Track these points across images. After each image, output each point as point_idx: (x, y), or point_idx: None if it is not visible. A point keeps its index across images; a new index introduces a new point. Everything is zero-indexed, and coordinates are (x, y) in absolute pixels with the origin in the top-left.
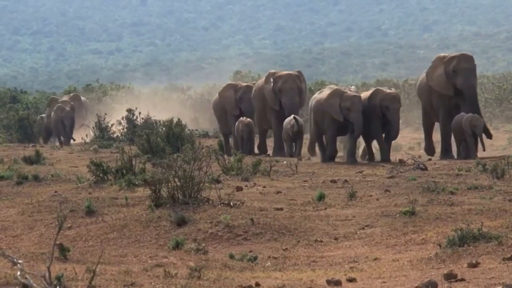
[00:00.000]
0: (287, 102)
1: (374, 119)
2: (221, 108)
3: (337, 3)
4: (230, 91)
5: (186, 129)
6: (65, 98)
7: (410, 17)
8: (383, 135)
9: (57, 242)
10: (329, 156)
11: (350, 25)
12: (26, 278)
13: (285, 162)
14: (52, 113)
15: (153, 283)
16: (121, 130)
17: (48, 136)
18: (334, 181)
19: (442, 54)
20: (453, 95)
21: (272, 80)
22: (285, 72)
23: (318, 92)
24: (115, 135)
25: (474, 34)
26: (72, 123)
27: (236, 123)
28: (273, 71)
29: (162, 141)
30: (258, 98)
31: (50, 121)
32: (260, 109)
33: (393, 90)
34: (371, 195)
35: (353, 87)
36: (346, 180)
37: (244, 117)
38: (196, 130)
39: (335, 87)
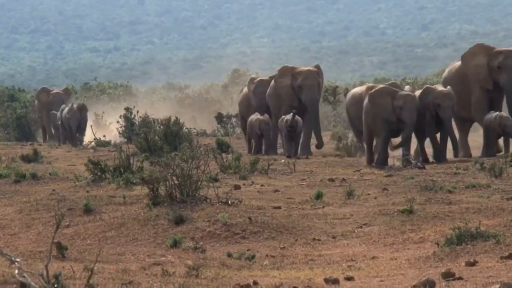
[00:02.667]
0: (308, 99)
1: (427, 118)
2: (249, 104)
3: (335, 2)
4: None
5: (184, 128)
6: (56, 90)
7: (408, 15)
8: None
9: (55, 241)
10: (382, 160)
11: (348, 23)
12: (24, 276)
13: (283, 160)
14: (65, 112)
15: (151, 282)
16: (119, 129)
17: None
18: (332, 180)
19: (485, 44)
20: (491, 89)
21: (290, 76)
22: (305, 68)
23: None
24: (113, 134)
25: (472, 32)
26: (78, 125)
27: (251, 120)
28: (289, 66)
29: (160, 140)
30: (274, 95)
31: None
32: (279, 106)
33: (448, 88)
34: (369, 194)
35: (407, 86)
36: (344, 179)
37: (257, 114)
38: (194, 128)
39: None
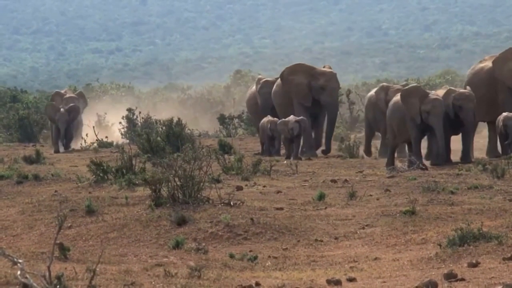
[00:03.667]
0: (331, 101)
1: (446, 119)
2: (255, 104)
3: (337, 2)
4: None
5: (186, 129)
6: (70, 94)
7: (410, 16)
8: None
9: (57, 242)
10: (416, 157)
11: (350, 24)
12: (26, 277)
13: (285, 161)
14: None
15: (153, 283)
16: (121, 130)
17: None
18: (334, 181)
19: None
20: None
21: (307, 75)
22: (327, 70)
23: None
24: (115, 135)
25: (475, 34)
26: (66, 129)
27: (263, 123)
28: (305, 64)
29: (162, 141)
30: (282, 93)
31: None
32: (286, 104)
33: (468, 89)
34: (371, 195)
35: (432, 91)
36: (346, 180)
37: (268, 116)
38: (196, 129)
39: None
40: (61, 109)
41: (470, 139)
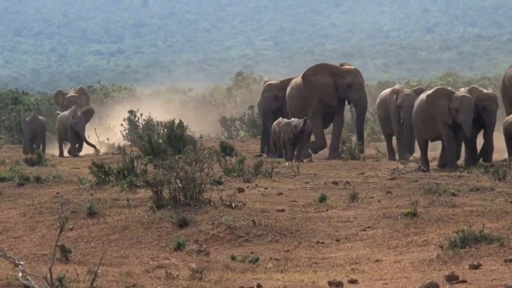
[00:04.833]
0: (358, 97)
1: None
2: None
3: (339, 4)
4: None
5: (188, 131)
6: (71, 93)
7: (411, 18)
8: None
9: (59, 244)
10: (453, 162)
11: (351, 26)
12: (27, 279)
13: (286, 163)
14: (60, 115)
15: (154, 285)
16: (123, 132)
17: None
18: (335, 183)
19: None
20: None
21: (331, 74)
22: (351, 67)
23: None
24: (116, 137)
25: (476, 35)
26: (84, 132)
27: (276, 125)
28: (328, 63)
29: (164, 143)
30: (300, 96)
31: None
32: (305, 107)
33: (490, 90)
34: (372, 197)
35: (462, 88)
36: (347, 182)
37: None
38: (198, 131)
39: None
40: (78, 113)
41: (489, 140)
